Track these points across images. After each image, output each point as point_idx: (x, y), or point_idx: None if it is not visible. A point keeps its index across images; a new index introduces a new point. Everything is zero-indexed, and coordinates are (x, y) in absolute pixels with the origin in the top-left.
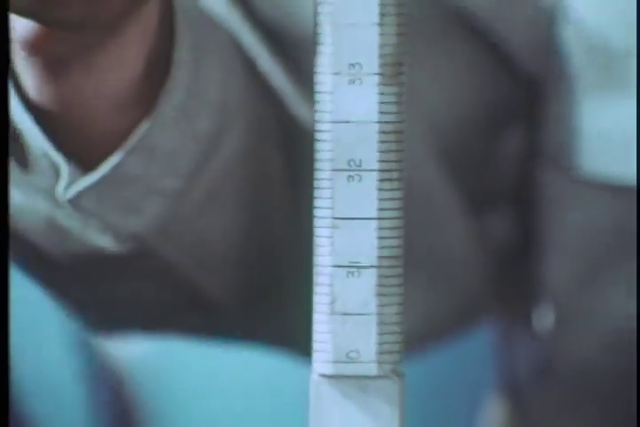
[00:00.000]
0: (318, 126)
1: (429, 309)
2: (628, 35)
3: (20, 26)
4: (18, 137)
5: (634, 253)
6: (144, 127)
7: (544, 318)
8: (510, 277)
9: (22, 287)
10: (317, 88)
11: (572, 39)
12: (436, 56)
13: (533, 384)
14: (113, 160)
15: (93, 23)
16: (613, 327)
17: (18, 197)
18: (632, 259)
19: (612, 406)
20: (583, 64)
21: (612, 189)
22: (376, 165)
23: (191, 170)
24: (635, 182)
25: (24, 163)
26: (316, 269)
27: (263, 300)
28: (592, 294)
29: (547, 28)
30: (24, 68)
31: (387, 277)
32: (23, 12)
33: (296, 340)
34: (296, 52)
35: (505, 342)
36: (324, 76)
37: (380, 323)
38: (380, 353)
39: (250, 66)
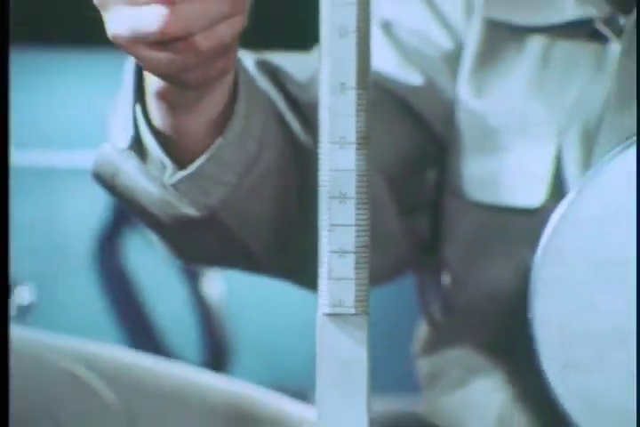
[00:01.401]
0: (320, 171)
1: (377, 267)
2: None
3: (155, 81)
4: (141, 145)
5: (507, 241)
6: (216, 145)
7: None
8: (426, 253)
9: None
10: (320, 149)
11: (463, 119)
12: (384, 124)
13: (441, 315)
14: (197, 163)
15: (201, 84)
16: (489, 284)
17: (142, 183)
18: (504, 244)
19: (493, 330)
20: (466, 133)
21: (483, 205)
22: (354, 195)
23: (242, 172)
24: (499, 203)
25: (145, 161)
26: (319, 252)
27: (286, 253)
28: (475, 265)
29: (452, 107)
30: (152, 105)
31: (360, 259)
32: (160, 75)
33: (306, 280)
34: (309, 111)
35: (423, 290)
36: (324, 144)
37: (356, 284)
38: (356, 302)
39: (279, 116)
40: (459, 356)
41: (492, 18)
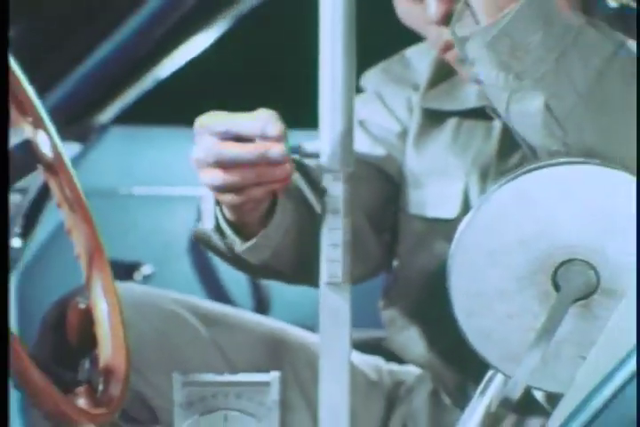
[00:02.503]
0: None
1: (359, 271)
2: None
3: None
4: (220, 227)
5: (434, 239)
6: (262, 234)
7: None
8: (388, 258)
9: None
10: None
11: (409, 169)
12: (365, 180)
13: (393, 285)
14: (250, 243)
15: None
16: (422, 266)
17: (222, 248)
18: (432, 241)
19: (426, 293)
20: (410, 177)
21: (420, 217)
22: (342, 212)
23: (280, 244)
24: (429, 215)
25: (223, 236)
26: (321, 246)
27: (308, 275)
28: (414, 254)
29: (403, 164)
30: (224, 206)
31: (346, 250)
32: (218, 192)
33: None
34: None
35: (387, 280)
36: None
37: (342, 266)
38: (343, 276)
39: (306, 201)
40: (405, 309)
41: (425, 106)
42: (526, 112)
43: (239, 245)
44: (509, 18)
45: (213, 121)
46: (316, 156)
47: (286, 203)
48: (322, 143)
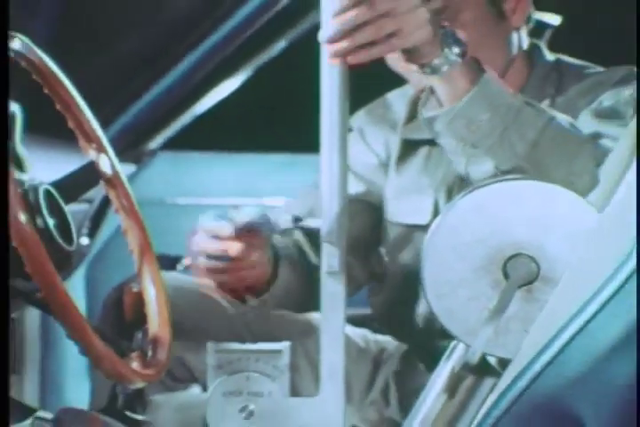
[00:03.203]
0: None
1: (351, 287)
2: None
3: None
4: None
5: (411, 241)
6: (265, 297)
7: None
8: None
9: None
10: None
11: (389, 191)
12: (358, 212)
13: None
14: (252, 301)
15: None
16: (403, 262)
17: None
18: (409, 242)
19: (405, 282)
20: (391, 195)
21: (399, 224)
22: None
23: (281, 294)
24: (407, 222)
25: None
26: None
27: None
28: (396, 252)
29: (384, 189)
30: None
31: (339, 248)
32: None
33: None
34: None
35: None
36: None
37: (339, 259)
38: (339, 266)
39: (302, 259)
40: (388, 293)
41: (403, 137)
42: (480, 171)
43: (251, 301)
44: (464, 103)
45: (209, 223)
46: (316, 231)
47: (286, 265)
48: (322, 222)
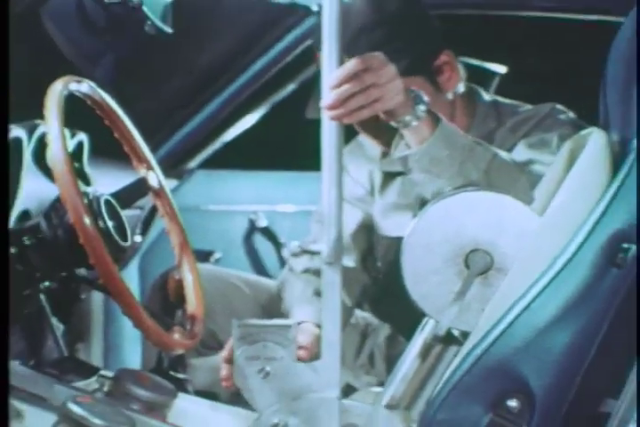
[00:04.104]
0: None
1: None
2: None
3: None
4: None
5: (396, 246)
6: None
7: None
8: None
9: None
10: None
11: (377, 213)
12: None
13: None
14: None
15: None
16: (390, 265)
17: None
18: (396, 247)
19: (392, 280)
20: (379, 216)
21: (387, 237)
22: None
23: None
24: (394, 235)
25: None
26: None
27: None
28: (389, 257)
29: (371, 207)
30: None
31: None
32: None
33: None
34: None
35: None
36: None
37: (334, 254)
38: (334, 257)
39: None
40: (375, 284)
41: (382, 170)
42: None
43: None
44: (428, 145)
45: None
46: (318, 253)
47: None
48: (323, 245)
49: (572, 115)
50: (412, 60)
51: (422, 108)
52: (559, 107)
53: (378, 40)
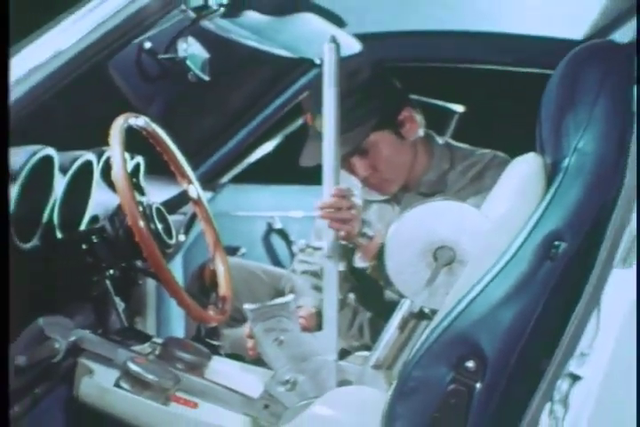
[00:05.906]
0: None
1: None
2: None
3: None
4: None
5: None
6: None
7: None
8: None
9: None
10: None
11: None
12: None
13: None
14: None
15: None
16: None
17: None
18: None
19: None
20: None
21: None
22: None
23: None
24: None
25: None
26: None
27: None
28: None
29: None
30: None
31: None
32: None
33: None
34: None
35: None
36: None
37: (332, 250)
38: (332, 253)
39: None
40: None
41: (364, 198)
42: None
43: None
44: (372, 266)
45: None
46: (320, 248)
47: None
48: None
49: (509, 158)
50: (380, 118)
51: (370, 233)
52: (499, 153)
53: (353, 103)
